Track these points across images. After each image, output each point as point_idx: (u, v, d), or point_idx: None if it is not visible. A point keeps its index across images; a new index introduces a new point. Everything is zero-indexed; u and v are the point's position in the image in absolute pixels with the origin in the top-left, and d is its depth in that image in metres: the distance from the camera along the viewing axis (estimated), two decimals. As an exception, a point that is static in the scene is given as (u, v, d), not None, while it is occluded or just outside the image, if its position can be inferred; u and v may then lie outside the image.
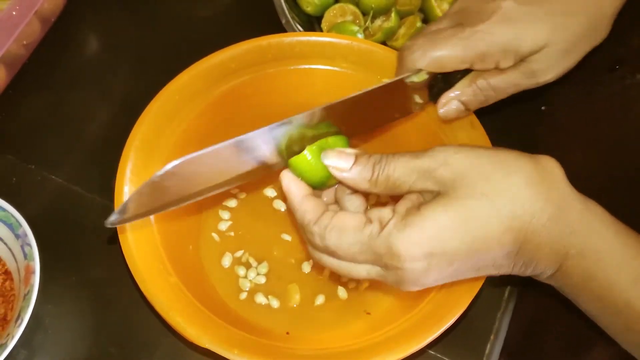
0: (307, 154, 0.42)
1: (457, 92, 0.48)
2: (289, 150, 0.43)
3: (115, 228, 0.46)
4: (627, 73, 0.59)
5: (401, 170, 0.39)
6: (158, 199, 0.42)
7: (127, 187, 0.48)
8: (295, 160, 0.42)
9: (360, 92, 0.44)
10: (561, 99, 0.63)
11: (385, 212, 0.39)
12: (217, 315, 0.44)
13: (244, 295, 0.54)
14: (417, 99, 0.49)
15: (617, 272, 0.39)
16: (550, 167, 0.39)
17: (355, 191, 0.44)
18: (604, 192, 0.52)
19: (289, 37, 0.55)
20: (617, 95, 0.60)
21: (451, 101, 0.49)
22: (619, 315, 0.40)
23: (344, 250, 0.39)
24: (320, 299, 0.53)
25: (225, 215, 0.58)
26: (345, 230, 0.39)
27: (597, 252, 0.39)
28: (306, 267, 0.55)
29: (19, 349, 0.52)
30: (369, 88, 0.45)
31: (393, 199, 0.43)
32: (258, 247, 0.56)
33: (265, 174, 0.44)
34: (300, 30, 0.62)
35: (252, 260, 0.55)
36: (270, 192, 0.59)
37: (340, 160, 0.41)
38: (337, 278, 0.55)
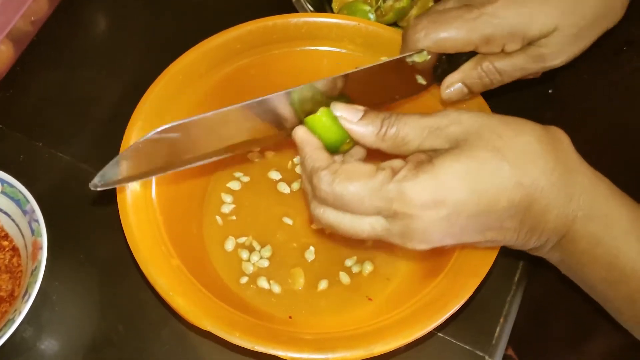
0: (323, 114, 0.42)
1: (462, 75, 0.48)
2: (304, 112, 0.44)
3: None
4: (635, 55, 0.58)
5: (411, 126, 0.39)
6: (151, 162, 0.42)
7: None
8: (311, 119, 0.42)
9: (360, 68, 0.45)
10: (568, 82, 0.62)
11: (397, 161, 0.39)
12: (219, 299, 0.45)
13: (246, 279, 0.54)
14: (421, 79, 0.49)
15: (625, 239, 0.39)
16: (560, 136, 0.40)
17: (363, 158, 0.44)
18: (612, 175, 0.52)
19: (295, 17, 0.55)
20: (626, 77, 0.59)
21: (455, 83, 0.48)
22: (624, 284, 0.40)
23: (352, 195, 0.38)
24: (323, 284, 0.54)
25: (228, 198, 0.58)
26: (355, 174, 0.38)
27: (605, 217, 0.39)
28: (309, 254, 0.55)
29: (26, 325, 0.53)
30: (368, 65, 0.45)
31: None
32: (261, 231, 0.56)
33: (274, 140, 0.46)
34: (310, 10, 0.62)
35: (255, 244, 0.56)
36: (275, 174, 0.59)
37: (350, 112, 0.41)
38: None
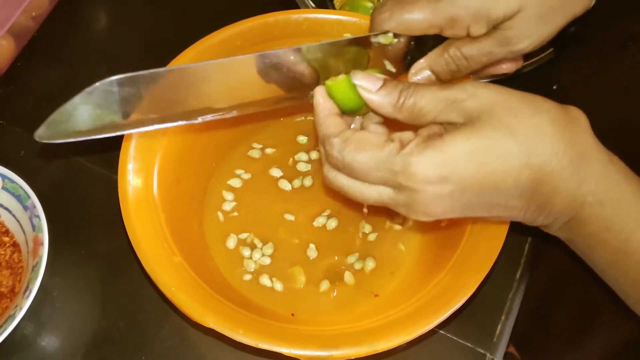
0: (343, 81, 0.42)
1: (429, 61, 0.47)
2: (319, 69, 0.44)
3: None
4: (639, 50, 0.58)
5: (428, 98, 0.39)
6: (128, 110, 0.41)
7: (130, 165, 0.48)
8: (330, 84, 0.42)
9: (324, 42, 0.45)
10: (572, 78, 0.62)
11: (407, 134, 0.39)
12: (221, 296, 0.45)
13: (248, 277, 0.54)
14: (389, 66, 0.48)
15: (636, 225, 0.39)
16: (578, 117, 0.39)
17: (381, 122, 0.44)
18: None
19: (296, 14, 0.55)
20: (630, 72, 0.58)
21: (422, 70, 0.48)
22: (633, 269, 0.40)
23: (360, 164, 0.39)
24: (325, 282, 0.53)
25: (229, 196, 0.58)
26: (365, 144, 0.39)
27: (616, 202, 0.39)
28: (311, 251, 0.55)
29: (27, 321, 0.53)
30: (333, 40, 0.45)
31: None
32: (263, 228, 0.56)
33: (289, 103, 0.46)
34: (312, 6, 0.62)
35: (257, 241, 0.56)
36: (276, 171, 0.59)
37: (370, 82, 0.41)
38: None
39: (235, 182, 0.58)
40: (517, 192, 0.38)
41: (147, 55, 0.68)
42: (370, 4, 0.66)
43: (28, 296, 0.48)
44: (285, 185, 0.58)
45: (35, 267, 0.50)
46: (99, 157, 0.61)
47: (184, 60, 0.53)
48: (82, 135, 0.41)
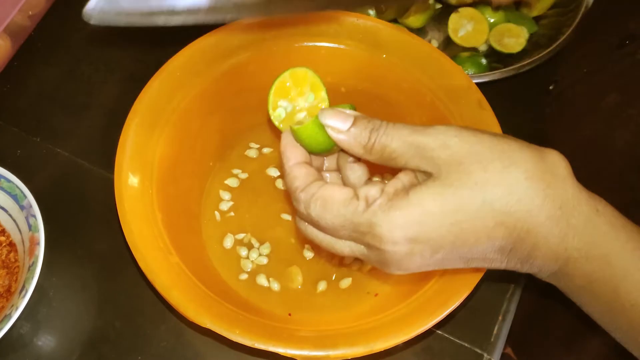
0: (311, 124, 0.40)
1: None
2: None
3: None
4: (638, 47, 0.58)
5: (398, 143, 0.37)
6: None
7: (127, 165, 0.48)
8: (297, 129, 0.41)
9: None
10: (569, 77, 0.62)
11: (373, 190, 0.37)
12: (218, 296, 0.44)
13: (245, 277, 0.54)
14: None
15: (624, 276, 0.37)
16: (556, 164, 0.36)
17: (357, 160, 0.42)
18: (613, 169, 0.52)
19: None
20: (628, 71, 0.58)
21: None
22: (623, 315, 0.38)
23: (326, 222, 0.38)
24: (322, 282, 0.53)
25: (226, 195, 0.58)
26: (330, 202, 0.37)
27: (603, 257, 0.37)
28: (308, 251, 0.55)
29: (23, 321, 0.53)
30: None
31: (393, 172, 0.41)
32: (260, 228, 0.56)
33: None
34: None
35: (254, 241, 0.55)
36: (273, 171, 0.59)
37: (338, 120, 0.39)
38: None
39: (232, 182, 0.58)
40: (494, 249, 0.37)
41: (144, 54, 0.67)
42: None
43: (24, 296, 0.48)
44: (282, 185, 0.58)
45: (32, 267, 0.50)
46: (96, 156, 0.61)
47: (181, 59, 0.53)
48: (133, 19, 0.38)
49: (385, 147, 0.37)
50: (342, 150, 0.42)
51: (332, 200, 0.37)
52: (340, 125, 0.39)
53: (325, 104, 0.44)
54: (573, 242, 0.36)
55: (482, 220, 0.35)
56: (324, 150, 0.41)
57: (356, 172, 0.42)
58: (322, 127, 0.39)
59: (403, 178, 0.38)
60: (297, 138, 0.41)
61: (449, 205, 0.35)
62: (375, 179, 0.41)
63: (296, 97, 0.45)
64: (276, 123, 0.45)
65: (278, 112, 0.45)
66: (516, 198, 0.35)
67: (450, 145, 0.36)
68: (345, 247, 0.39)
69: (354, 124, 0.38)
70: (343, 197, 0.37)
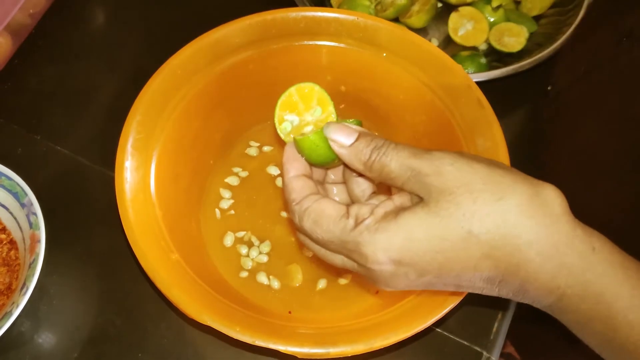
0: (314, 136, 0.41)
1: None
2: None
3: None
4: (635, 44, 0.58)
5: (397, 164, 0.37)
6: None
7: (127, 162, 0.48)
8: (300, 140, 0.41)
9: None
10: (567, 77, 0.62)
11: (364, 209, 0.38)
12: (218, 293, 0.45)
13: (245, 274, 0.54)
14: None
15: (624, 315, 0.36)
16: (551, 199, 0.35)
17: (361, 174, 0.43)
18: (613, 168, 0.52)
19: (294, 12, 0.55)
20: (625, 68, 0.58)
21: None
22: (624, 351, 0.37)
23: (317, 236, 0.39)
24: (322, 280, 0.54)
25: (226, 193, 0.58)
26: (321, 217, 0.38)
27: (599, 296, 0.35)
28: (308, 251, 0.55)
29: (23, 319, 0.53)
30: None
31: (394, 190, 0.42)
32: (260, 226, 0.56)
33: None
34: (309, 5, 0.62)
35: (254, 239, 0.56)
36: (273, 169, 0.59)
37: (343, 135, 0.39)
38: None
39: (232, 180, 0.58)
40: (482, 278, 0.36)
41: (145, 52, 0.68)
42: (368, 3, 0.66)
43: (25, 293, 0.48)
44: (282, 183, 0.58)
45: (32, 264, 0.50)
46: (96, 154, 0.61)
47: (182, 57, 0.53)
48: None
49: (384, 167, 0.38)
50: (344, 165, 0.42)
51: (323, 215, 0.38)
52: (344, 140, 0.39)
53: (332, 117, 0.45)
54: (567, 280, 0.35)
55: (467, 251, 0.35)
56: (325, 162, 0.42)
57: (361, 186, 0.43)
58: (324, 139, 0.40)
59: (396, 200, 0.38)
60: (299, 149, 0.42)
61: (434, 233, 0.35)
62: (380, 197, 0.42)
63: (303, 112, 0.45)
64: (282, 136, 0.45)
65: (284, 126, 0.45)
66: (504, 232, 0.34)
67: (444, 173, 0.36)
68: (338, 260, 0.40)
69: (357, 139, 0.39)
70: (334, 214, 0.38)
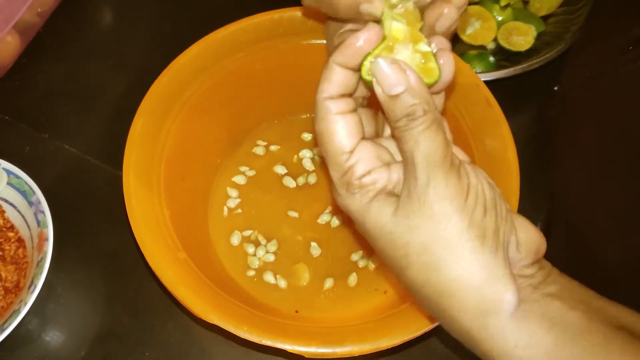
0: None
1: None
2: None
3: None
4: (641, 53, 0.58)
5: (409, 149, 0.33)
6: None
7: (135, 161, 0.48)
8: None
9: None
10: (574, 79, 0.62)
11: (360, 167, 0.35)
12: (225, 292, 0.44)
13: (252, 273, 0.54)
14: None
15: None
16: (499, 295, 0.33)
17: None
18: (616, 172, 0.52)
19: (302, 10, 0.54)
20: (631, 75, 0.58)
21: None
22: None
23: (326, 155, 0.36)
24: (329, 279, 0.53)
25: (233, 192, 0.58)
26: (328, 136, 0.35)
27: None
28: (315, 249, 0.55)
29: (31, 317, 0.53)
30: None
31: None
32: (267, 225, 0.56)
33: None
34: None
35: (261, 238, 0.56)
36: (280, 169, 0.59)
37: (388, 81, 0.33)
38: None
39: (239, 179, 0.58)
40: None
41: (152, 51, 0.68)
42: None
43: (33, 291, 0.48)
44: (289, 182, 0.58)
45: (40, 263, 0.50)
46: (104, 153, 0.61)
47: (189, 56, 0.53)
48: None
49: (401, 138, 0.34)
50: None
51: (330, 136, 0.35)
52: (387, 87, 0.33)
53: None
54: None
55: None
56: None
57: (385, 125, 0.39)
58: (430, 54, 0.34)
59: (393, 174, 0.35)
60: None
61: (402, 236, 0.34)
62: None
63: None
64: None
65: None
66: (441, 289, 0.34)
67: (428, 216, 0.33)
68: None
69: (402, 92, 0.33)
70: (339, 146, 0.35)
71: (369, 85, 0.35)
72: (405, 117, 0.33)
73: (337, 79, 0.35)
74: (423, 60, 0.35)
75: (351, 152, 0.35)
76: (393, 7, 0.35)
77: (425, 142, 0.33)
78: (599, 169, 0.49)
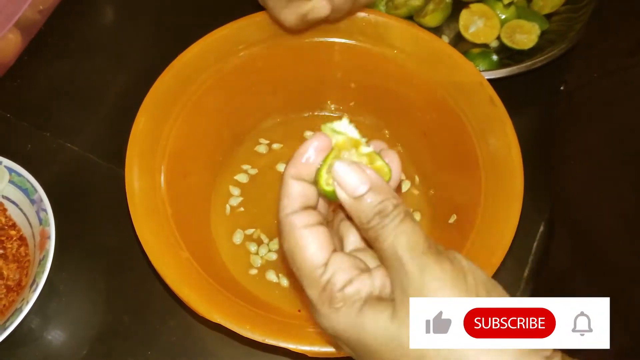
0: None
1: None
2: None
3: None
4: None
5: (390, 247, 0.32)
6: None
7: (137, 160, 0.48)
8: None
9: None
10: (580, 80, 0.62)
11: (340, 277, 0.33)
12: (228, 291, 0.44)
13: (254, 272, 0.54)
14: None
15: None
16: None
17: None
18: (619, 174, 0.51)
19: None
20: (638, 80, 0.58)
21: None
22: None
23: (289, 258, 0.34)
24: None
25: (235, 191, 0.57)
26: (299, 253, 0.33)
27: None
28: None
29: (33, 316, 0.53)
30: None
31: None
32: (269, 223, 0.56)
33: None
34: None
35: (263, 237, 0.55)
36: (282, 167, 0.59)
37: (351, 182, 0.33)
38: None
39: (242, 178, 0.58)
40: None
41: (153, 48, 0.68)
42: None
43: (35, 290, 0.48)
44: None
45: (42, 261, 0.50)
46: (106, 151, 0.61)
47: (192, 54, 0.52)
48: None
49: (378, 238, 0.32)
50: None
51: (302, 252, 0.33)
52: (351, 189, 0.33)
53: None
54: None
55: None
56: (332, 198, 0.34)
57: (351, 236, 0.37)
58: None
59: (376, 281, 0.33)
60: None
61: (387, 340, 0.32)
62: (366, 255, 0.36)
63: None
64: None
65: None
66: None
67: (426, 290, 0.31)
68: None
69: (367, 192, 0.32)
70: (313, 262, 0.33)
71: (328, 197, 0.34)
72: (377, 215, 0.32)
73: (295, 192, 0.34)
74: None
75: (325, 264, 0.33)
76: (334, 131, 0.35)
77: (406, 234, 0.32)
78: (605, 169, 0.48)
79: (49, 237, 0.51)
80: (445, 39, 0.69)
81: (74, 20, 0.69)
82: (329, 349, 0.41)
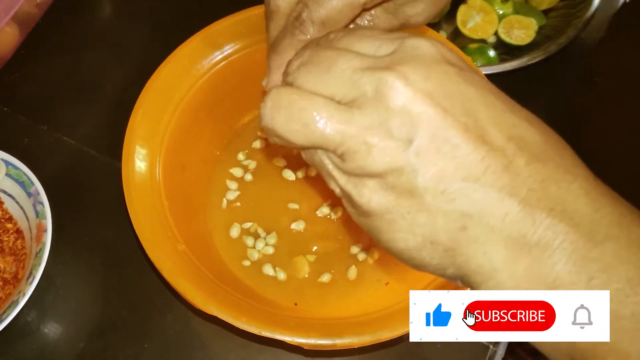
0: None
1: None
2: None
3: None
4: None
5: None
6: None
7: (134, 153, 0.48)
8: None
9: None
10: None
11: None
12: (224, 284, 0.45)
13: (251, 265, 0.54)
14: None
15: None
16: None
17: None
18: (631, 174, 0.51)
19: (303, 2, 0.54)
20: None
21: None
22: None
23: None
24: (328, 273, 0.53)
25: (232, 185, 0.57)
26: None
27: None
28: (314, 243, 0.55)
29: (30, 309, 0.53)
30: None
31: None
32: (266, 217, 0.56)
33: None
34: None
35: (260, 231, 0.55)
36: (280, 161, 0.59)
37: None
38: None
39: (238, 172, 0.58)
40: None
41: (152, 42, 0.67)
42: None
43: (31, 282, 0.48)
44: (289, 175, 0.58)
45: (39, 254, 0.50)
46: (103, 144, 0.61)
47: (189, 47, 0.52)
48: None
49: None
50: None
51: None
52: None
53: None
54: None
55: None
56: None
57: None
58: None
59: None
60: None
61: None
62: None
63: None
64: None
65: None
66: None
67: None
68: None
69: None
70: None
71: None
72: None
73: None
74: None
75: None
76: None
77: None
78: (608, 169, 0.48)
79: (45, 230, 0.51)
80: (443, 34, 0.70)
81: (72, 13, 0.69)
82: (326, 341, 0.42)
